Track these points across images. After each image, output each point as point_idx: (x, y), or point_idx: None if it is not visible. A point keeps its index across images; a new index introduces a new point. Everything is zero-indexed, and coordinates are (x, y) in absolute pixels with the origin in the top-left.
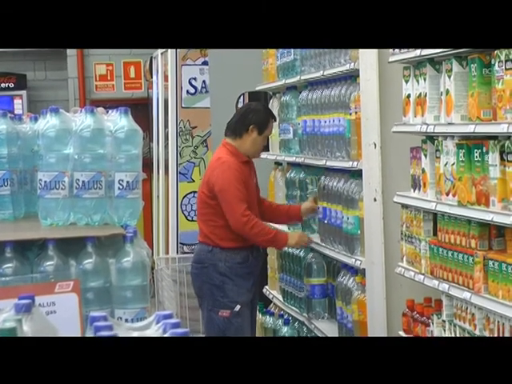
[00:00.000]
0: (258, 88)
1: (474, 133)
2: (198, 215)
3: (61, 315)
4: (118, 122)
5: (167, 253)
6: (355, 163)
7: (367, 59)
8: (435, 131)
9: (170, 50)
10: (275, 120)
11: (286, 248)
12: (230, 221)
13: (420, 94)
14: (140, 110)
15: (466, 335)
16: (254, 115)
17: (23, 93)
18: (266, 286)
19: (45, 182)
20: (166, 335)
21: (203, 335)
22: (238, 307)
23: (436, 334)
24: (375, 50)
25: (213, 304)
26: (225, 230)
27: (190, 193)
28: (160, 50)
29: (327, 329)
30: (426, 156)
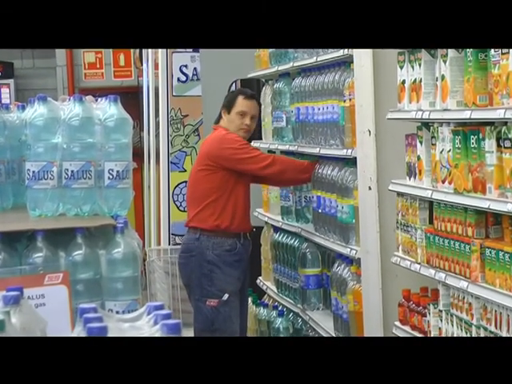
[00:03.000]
0: (250, 75)
1: (470, 119)
2: (187, 198)
3: (50, 308)
4: (108, 110)
5: (159, 244)
6: (349, 151)
7: None
8: (431, 118)
9: None
10: (246, 95)
11: (279, 236)
12: (255, 168)
13: (415, 79)
14: (130, 98)
15: (463, 325)
16: (224, 100)
17: (10, 81)
18: (260, 277)
19: (33, 172)
20: (157, 326)
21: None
22: (225, 296)
23: (433, 324)
24: None
25: (200, 293)
26: (217, 206)
27: (182, 182)
28: None
29: (322, 320)
30: (421, 143)
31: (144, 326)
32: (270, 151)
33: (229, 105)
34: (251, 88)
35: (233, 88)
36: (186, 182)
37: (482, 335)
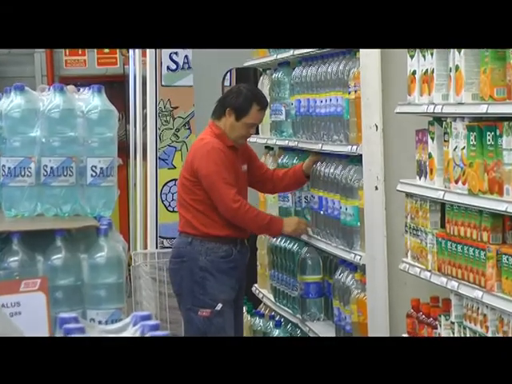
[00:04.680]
0: (246, 64)
1: (486, 113)
2: (178, 201)
3: (27, 317)
4: (91, 101)
5: (145, 247)
6: (354, 147)
7: None
8: (443, 112)
9: None
10: (262, 107)
11: (277, 239)
12: (220, 208)
13: (426, 70)
14: (115, 88)
15: None
16: (234, 97)
17: None
18: (256, 285)
19: (8, 168)
20: None
21: None
22: (219, 306)
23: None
24: None
25: (192, 302)
26: (206, 217)
27: (171, 180)
28: None
29: (323, 331)
30: (433, 139)
31: None
32: (267, 147)
33: (240, 112)
34: (247, 78)
35: (227, 78)
36: (175, 179)
37: None
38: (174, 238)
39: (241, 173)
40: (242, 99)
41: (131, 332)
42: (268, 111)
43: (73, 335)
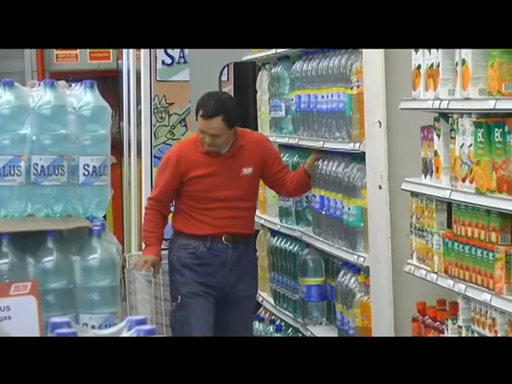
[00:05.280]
0: (244, 58)
1: (494, 109)
2: None
3: (17, 321)
4: (83, 97)
5: (140, 249)
6: (357, 145)
7: None
8: (449, 107)
9: None
10: (202, 114)
11: (277, 240)
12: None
13: (432, 64)
14: (108, 83)
15: None
16: (199, 100)
17: None
18: None
19: None
20: None
21: None
22: (179, 298)
23: None
24: None
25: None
26: (177, 214)
27: None
28: None
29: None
30: (438, 136)
31: None
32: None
33: (195, 115)
34: (246, 73)
35: (225, 73)
36: None
37: None
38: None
39: (234, 176)
40: (198, 102)
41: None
42: (267, 107)
43: None
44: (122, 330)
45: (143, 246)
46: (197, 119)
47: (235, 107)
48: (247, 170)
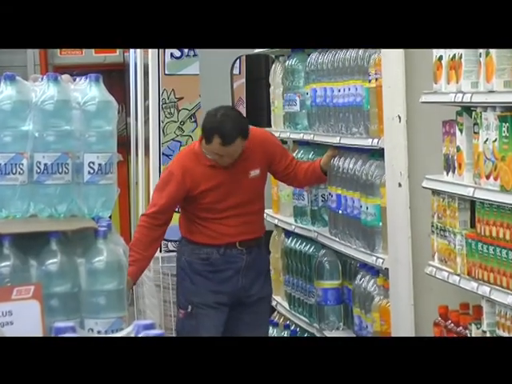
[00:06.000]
0: (256, 50)
1: None
2: None
3: (19, 327)
4: (88, 92)
5: None
6: (375, 141)
7: None
8: (473, 101)
9: None
10: (224, 142)
11: (292, 241)
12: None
13: (454, 55)
14: (114, 77)
15: None
16: (206, 118)
17: None
18: None
19: None
20: None
21: None
22: (189, 307)
23: None
24: None
25: (175, 301)
26: (186, 221)
27: None
28: None
29: None
30: (461, 131)
31: None
32: (280, 141)
33: (205, 137)
34: (258, 66)
35: (236, 65)
36: None
37: None
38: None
39: (242, 181)
40: (209, 126)
41: None
42: (281, 101)
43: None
44: (129, 335)
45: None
46: (207, 143)
47: (244, 118)
48: (254, 173)
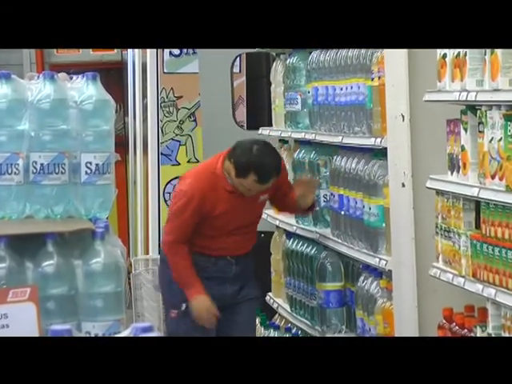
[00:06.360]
0: (258, 48)
1: None
2: None
3: (15, 329)
4: (85, 90)
5: (147, 253)
6: (378, 140)
7: None
8: (477, 99)
9: None
10: (260, 180)
11: (293, 243)
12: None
13: (459, 53)
14: (112, 76)
15: None
16: (240, 152)
17: None
18: (270, 293)
19: None
20: None
21: None
22: (183, 306)
23: None
24: None
25: (164, 302)
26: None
27: (175, 178)
28: None
29: None
30: (466, 130)
31: None
32: (281, 140)
33: (238, 171)
34: (259, 64)
35: (237, 64)
36: (179, 177)
37: None
38: None
39: (252, 205)
40: (244, 161)
41: None
42: (282, 100)
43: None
44: None
45: (185, 289)
46: (239, 176)
47: (278, 154)
48: (263, 197)
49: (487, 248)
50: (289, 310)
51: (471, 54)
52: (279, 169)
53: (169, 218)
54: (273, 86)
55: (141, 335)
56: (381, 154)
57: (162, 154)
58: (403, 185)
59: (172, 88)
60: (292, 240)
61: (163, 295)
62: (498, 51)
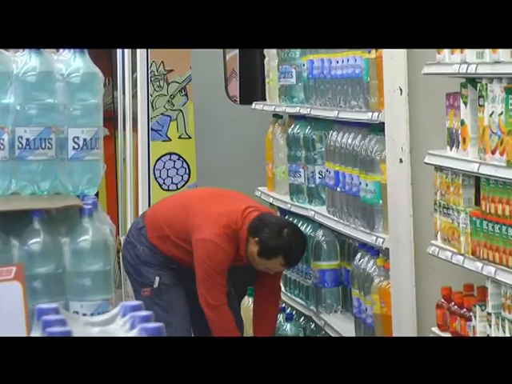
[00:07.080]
0: (254, 48)
1: None
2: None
3: (0, 309)
4: (72, 63)
5: None
6: (376, 114)
7: None
8: (478, 72)
9: None
10: (287, 263)
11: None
12: (199, 290)
13: None
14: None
15: None
16: (269, 235)
17: None
18: None
19: None
20: (134, 331)
21: None
22: (156, 280)
23: (479, 330)
24: None
25: (133, 283)
26: (171, 246)
27: (166, 155)
28: None
29: (341, 325)
30: (465, 104)
31: (118, 330)
32: (275, 115)
33: (264, 252)
34: None
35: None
36: (170, 154)
37: None
38: None
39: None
40: (274, 245)
41: (120, 324)
42: (276, 74)
43: (53, 328)
44: (116, 316)
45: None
46: (263, 257)
47: (305, 236)
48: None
49: (487, 225)
50: (283, 289)
51: None
52: (305, 252)
53: (208, 274)
54: (267, 59)
55: (130, 314)
56: (378, 128)
57: (152, 129)
58: (401, 160)
59: (162, 61)
60: (286, 218)
61: (131, 276)
62: None
